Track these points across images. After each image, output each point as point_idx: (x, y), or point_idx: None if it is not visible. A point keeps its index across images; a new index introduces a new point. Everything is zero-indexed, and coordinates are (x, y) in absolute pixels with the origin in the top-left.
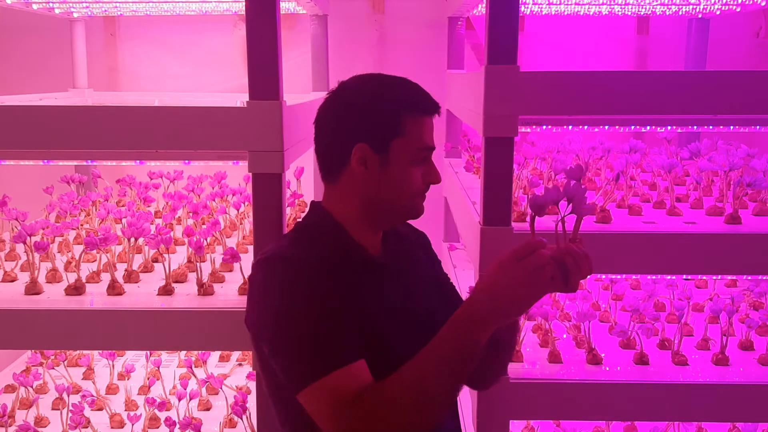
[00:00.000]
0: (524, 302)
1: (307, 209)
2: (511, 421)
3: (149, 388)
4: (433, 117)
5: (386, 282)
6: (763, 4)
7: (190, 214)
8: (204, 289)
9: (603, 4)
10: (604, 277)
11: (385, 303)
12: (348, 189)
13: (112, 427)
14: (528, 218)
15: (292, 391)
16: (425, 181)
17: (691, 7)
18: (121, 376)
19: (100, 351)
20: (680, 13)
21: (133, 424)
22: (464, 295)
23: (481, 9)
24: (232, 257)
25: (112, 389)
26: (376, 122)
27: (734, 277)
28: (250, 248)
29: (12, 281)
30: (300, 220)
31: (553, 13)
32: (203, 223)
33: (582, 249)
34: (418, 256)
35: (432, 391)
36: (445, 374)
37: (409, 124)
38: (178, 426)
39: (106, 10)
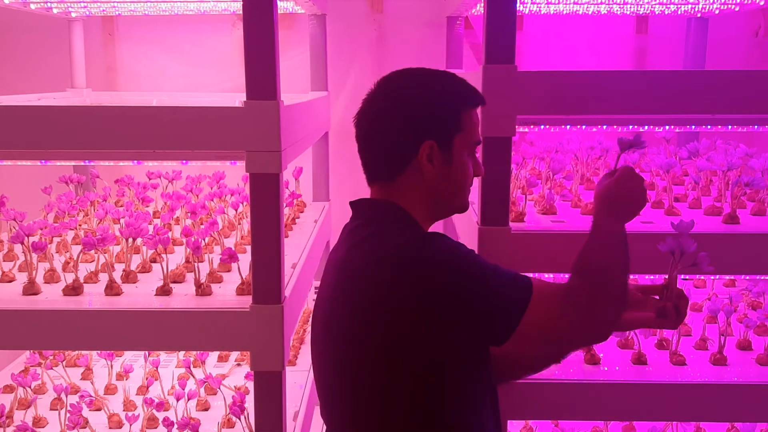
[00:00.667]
0: (642, 200)
1: (365, 209)
2: (509, 421)
3: (147, 388)
4: (478, 109)
5: None
6: (762, 3)
7: (189, 215)
8: (202, 290)
9: (601, 3)
10: None
11: None
12: (410, 185)
13: (110, 428)
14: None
15: (509, 326)
16: (474, 174)
17: (690, 6)
18: (119, 377)
19: (99, 351)
20: (679, 12)
21: (131, 425)
22: None
23: (480, 8)
24: (230, 257)
25: (110, 389)
26: (441, 119)
27: (732, 277)
28: (248, 248)
29: (10, 281)
30: (368, 220)
31: (551, 12)
32: (201, 224)
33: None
34: None
35: (618, 262)
36: (619, 248)
37: (466, 119)
38: (176, 426)
39: (104, 10)
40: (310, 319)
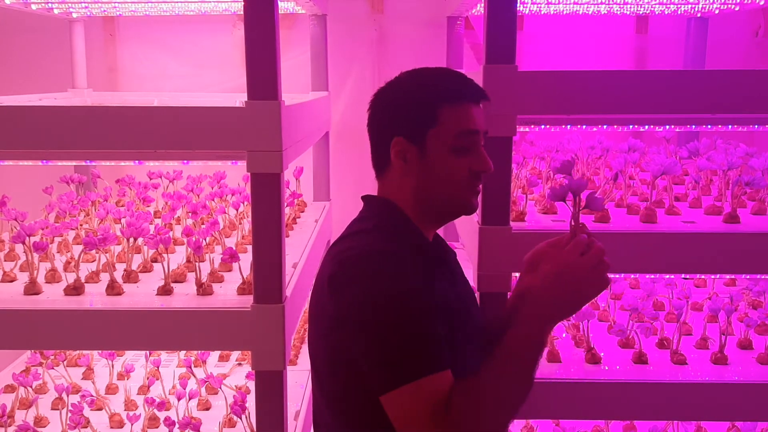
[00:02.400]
0: (587, 298)
1: (366, 205)
2: None
3: (149, 387)
4: (472, 103)
5: (449, 276)
6: (762, 3)
7: (190, 214)
8: (203, 289)
9: (602, 3)
10: None
11: (454, 297)
12: (397, 183)
13: (111, 427)
14: (571, 218)
15: (378, 390)
16: (472, 170)
17: (690, 6)
18: (120, 376)
19: (100, 351)
20: (679, 12)
21: (132, 424)
22: None
23: (480, 9)
24: (231, 257)
25: (111, 389)
26: (408, 114)
27: (733, 276)
28: (249, 248)
29: (11, 281)
30: (363, 217)
31: (551, 12)
32: (202, 223)
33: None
34: (449, 255)
35: (515, 385)
36: (522, 370)
37: (444, 113)
38: (177, 426)
39: (105, 11)
40: None
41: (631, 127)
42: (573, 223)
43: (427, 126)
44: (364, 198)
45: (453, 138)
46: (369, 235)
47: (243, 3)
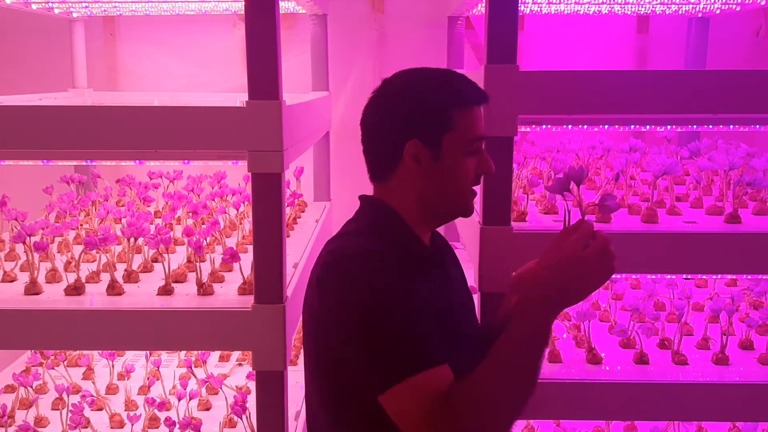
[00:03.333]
0: (594, 286)
1: (361, 205)
2: None
3: (149, 388)
4: (481, 106)
5: (442, 279)
6: (763, 3)
7: (190, 214)
8: (204, 289)
9: (603, 3)
10: None
11: (445, 300)
12: (403, 186)
13: (111, 427)
14: (565, 213)
15: (374, 390)
16: (477, 172)
17: (691, 6)
18: (120, 376)
19: (100, 351)
20: (680, 12)
21: (132, 424)
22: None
23: (481, 8)
24: (231, 257)
25: (111, 389)
26: (425, 117)
27: (734, 277)
28: (250, 248)
29: (12, 281)
30: (357, 217)
31: (552, 12)
32: (203, 223)
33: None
34: (447, 257)
35: (518, 380)
36: (527, 359)
37: (459, 117)
38: (177, 426)
39: (105, 10)
40: None
41: (632, 127)
42: (581, 212)
43: (444, 130)
44: (361, 198)
45: (468, 142)
46: (360, 235)
47: (244, 2)
